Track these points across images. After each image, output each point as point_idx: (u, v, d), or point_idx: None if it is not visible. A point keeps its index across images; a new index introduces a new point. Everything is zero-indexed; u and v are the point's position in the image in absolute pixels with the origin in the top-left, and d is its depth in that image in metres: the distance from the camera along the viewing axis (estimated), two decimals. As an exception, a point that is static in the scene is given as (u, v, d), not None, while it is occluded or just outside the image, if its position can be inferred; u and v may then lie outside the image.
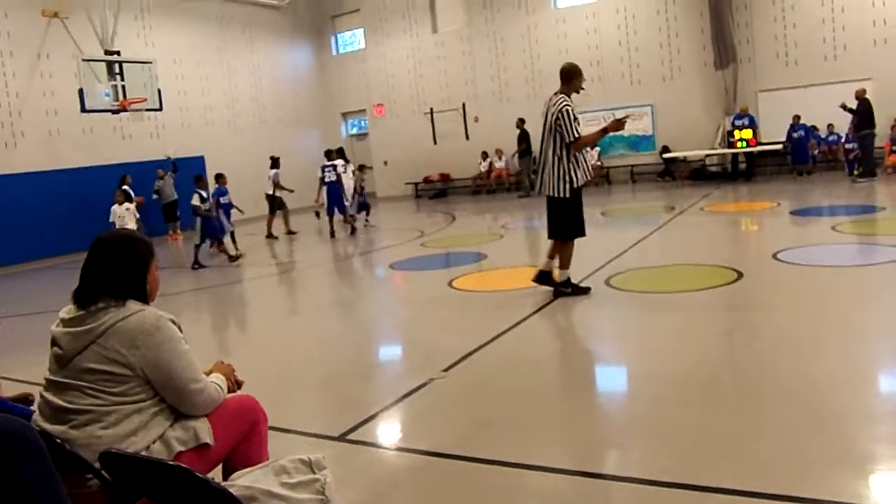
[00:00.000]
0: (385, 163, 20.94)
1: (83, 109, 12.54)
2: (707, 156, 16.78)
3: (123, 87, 13.09)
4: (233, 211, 12.06)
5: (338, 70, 21.87)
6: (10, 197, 12.75)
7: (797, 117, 15.33)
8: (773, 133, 15.89)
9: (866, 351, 4.35)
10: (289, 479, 2.19)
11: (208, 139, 17.33)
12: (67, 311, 2.31)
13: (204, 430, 2.31)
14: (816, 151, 15.75)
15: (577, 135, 5.89)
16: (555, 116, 5.93)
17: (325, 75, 22.01)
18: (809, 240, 8.52)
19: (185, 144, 16.37)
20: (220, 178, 11.78)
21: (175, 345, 2.28)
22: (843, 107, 13.51)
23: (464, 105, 19.70)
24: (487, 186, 19.38)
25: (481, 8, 19.22)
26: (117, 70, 13.07)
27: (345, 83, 21.70)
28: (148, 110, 13.79)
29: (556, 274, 6.30)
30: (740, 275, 6.54)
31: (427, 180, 20.52)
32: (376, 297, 8.10)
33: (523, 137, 17.48)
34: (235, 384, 2.61)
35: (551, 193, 6.07)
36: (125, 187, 12.96)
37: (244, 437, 2.45)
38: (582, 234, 6.22)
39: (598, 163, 17.34)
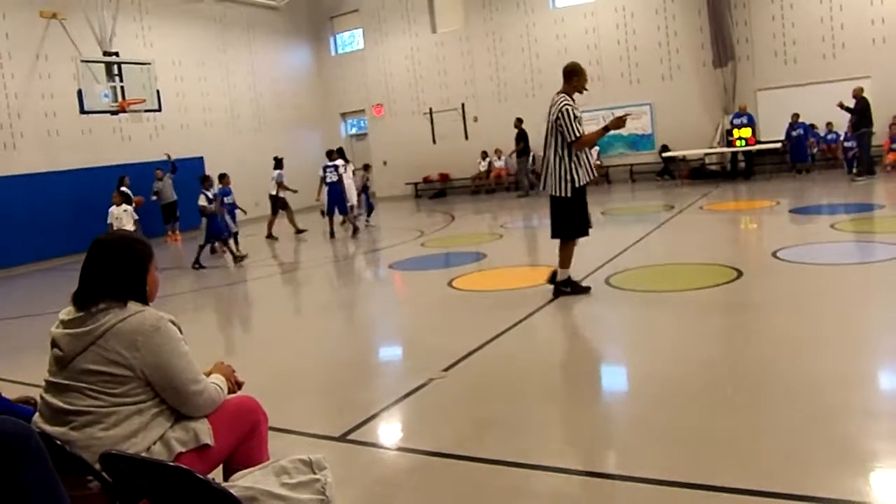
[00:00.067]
0: (384, 163, 20.93)
1: (82, 111, 12.54)
2: (706, 154, 16.79)
3: (122, 88, 13.10)
4: (237, 212, 12.06)
5: (337, 70, 21.87)
6: (9, 198, 12.74)
7: (796, 116, 15.33)
8: (772, 132, 15.90)
9: (866, 349, 4.36)
10: (289, 480, 2.19)
11: (207, 140, 17.33)
12: (67, 312, 2.31)
13: (204, 431, 2.31)
14: (815, 150, 15.76)
15: (577, 134, 5.90)
16: (555, 116, 5.94)
17: (324, 76, 22.01)
18: (809, 238, 8.52)
19: (185, 145, 16.37)
20: (223, 178, 11.77)
21: (175, 345, 2.28)
22: (841, 105, 13.52)
23: (463, 105, 19.71)
24: (487, 186, 19.39)
25: (480, 8, 19.23)
26: (116, 71, 13.07)
27: (344, 83, 21.71)
28: (147, 111, 13.79)
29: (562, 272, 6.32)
30: (740, 273, 6.54)
31: (426, 180, 20.52)
32: (376, 297, 8.10)
33: (521, 137, 17.49)
34: (235, 385, 2.61)
35: (553, 193, 6.09)
36: (123, 188, 12.95)
37: (244, 437, 2.45)
38: (584, 233, 6.22)
39: (598, 162, 17.33)
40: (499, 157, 19.04)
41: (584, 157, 6.11)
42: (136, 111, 13.42)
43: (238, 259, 10.74)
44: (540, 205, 14.97)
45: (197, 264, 10.54)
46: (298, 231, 13.74)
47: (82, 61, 12.60)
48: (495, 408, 3.92)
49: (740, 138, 15.63)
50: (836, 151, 15.57)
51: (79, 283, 2.32)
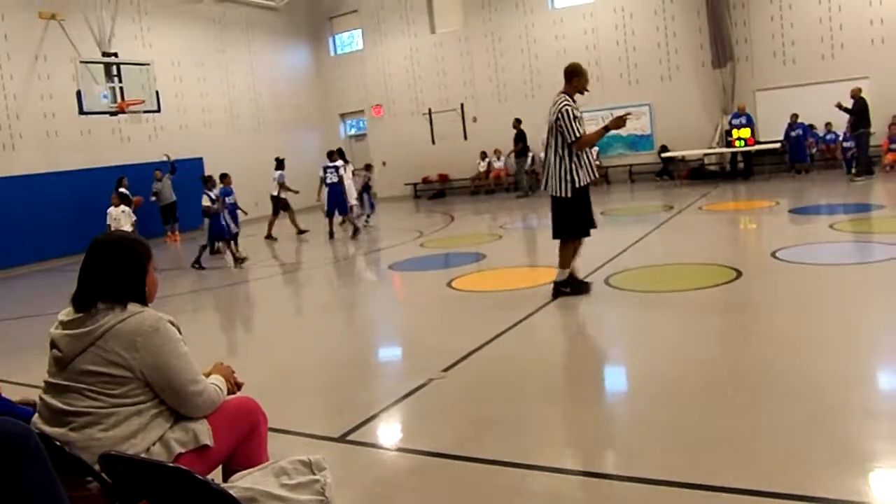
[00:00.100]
0: (383, 163, 20.93)
1: (81, 111, 12.53)
2: (705, 155, 16.80)
3: (121, 88, 13.09)
4: (238, 212, 12.04)
5: (336, 71, 21.87)
6: (8, 199, 12.73)
7: (795, 116, 15.35)
8: (771, 132, 15.91)
9: (866, 349, 4.36)
10: (289, 481, 2.19)
11: (207, 141, 17.32)
12: (66, 313, 2.31)
13: (203, 432, 2.31)
14: (814, 150, 15.78)
15: (577, 134, 5.90)
16: (555, 117, 5.94)
17: (324, 76, 22.01)
18: (808, 238, 8.52)
19: (184, 146, 16.36)
20: (224, 177, 11.71)
21: (174, 346, 2.27)
22: (839, 106, 13.53)
23: (462, 105, 19.71)
24: (486, 187, 19.39)
25: (479, 8, 19.23)
26: (115, 72, 13.07)
27: (343, 84, 21.71)
28: (146, 112, 13.78)
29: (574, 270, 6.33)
30: (739, 273, 6.54)
31: (426, 181, 20.52)
32: (375, 297, 8.10)
33: (520, 137, 17.51)
34: (235, 386, 2.60)
35: (554, 193, 6.10)
36: (122, 190, 12.95)
37: (244, 438, 2.45)
38: (584, 234, 6.23)
39: (597, 162, 17.31)
40: (498, 158, 19.04)
41: (585, 157, 6.11)
42: (135, 112, 13.42)
43: (238, 261, 10.73)
44: (539, 205, 14.98)
45: (197, 264, 10.54)
46: (300, 232, 13.73)
47: (81, 62, 12.60)
48: (495, 408, 3.92)
49: (739, 139, 15.65)
50: (834, 152, 15.59)
51: (77, 285, 2.32)
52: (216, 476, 2.33)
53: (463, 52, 19.60)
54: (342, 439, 3.61)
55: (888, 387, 3.83)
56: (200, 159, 16.52)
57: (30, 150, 13.48)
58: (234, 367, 2.68)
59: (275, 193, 13.74)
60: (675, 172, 17.12)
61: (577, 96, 6.12)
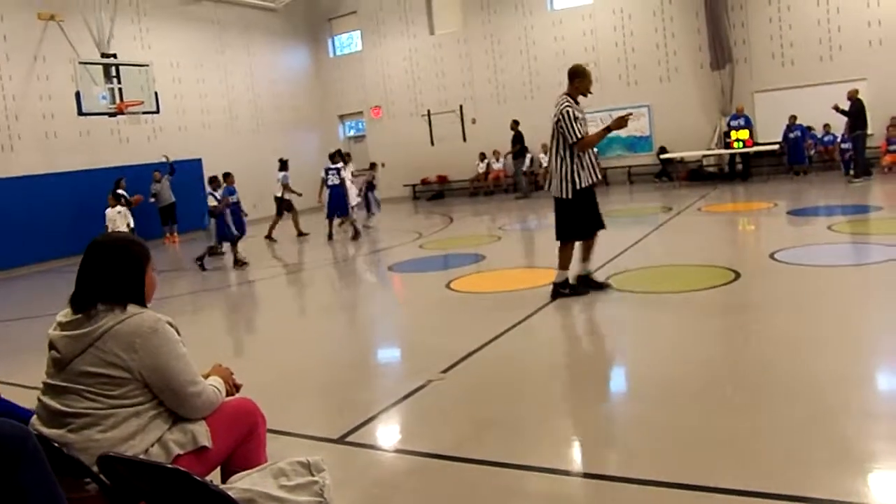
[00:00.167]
0: (382, 164, 20.85)
1: (80, 112, 12.53)
2: (704, 156, 16.82)
3: (120, 89, 13.09)
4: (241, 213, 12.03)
5: (335, 72, 21.87)
6: (7, 200, 12.72)
7: (793, 117, 15.36)
8: (770, 133, 15.93)
9: (865, 349, 4.36)
10: (287, 482, 2.18)
11: (206, 142, 17.32)
12: (65, 314, 2.30)
13: (202, 433, 2.31)
14: (813, 151, 15.80)
15: (579, 135, 5.91)
16: (556, 118, 5.96)
17: (323, 78, 22.01)
18: (806, 240, 8.53)
19: (183, 147, 16.35)
20: (227, 177, 11.64)
21: (173, 347, 2.27)
22: (836, 108, 13.55)
23: (461, 107, 19.72)
24: (485, 188, 19.40)
25: (478, 10, 19.25)
26: (114, 73, 13.07)
27: (342, 85, 21.71)
28: (145, 113, 13.79)
29: (585, 270, 6.35)
30: (738, 275, 6.55)
31: (425, 182, 20.52)
32: (375, 299, 8.10)
33: (517, 139, 17.52)
34: (234, 387, 2.60)
35: (556, 194, 6.12)
36: (120, 191, 12.95)
37: (243, 439, 2.44)
38: (587, 236, 6.23)
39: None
40: (497, 159, 19.05)
41: (588, 159, 6.11)
42: (134, 113, 13.42)
43: (239, 264, 10.71)
44: (538, 207, 15.00)
45: (200, 262, 10.55)
46: (300, 234, 13.70)
47: (80, 63, 12.60)
48: (494, 409, 3.92)
49: (738, 140, 15.67)
50: (833, 153, 15.61)
51: (76, 286, 2.31)
52: (215, 477, 2.33)
53: (462, 54, 19.62)
54: (341, 440, 3.61)
55: (888, 387, 3.84)
56: (199, 160, 16.50)
57: (29, 151, 13.48)
58: (233, 368, 2.68)
59: (279, 195, 13.70)
60: (673, 174, 17.13)
61: (581, 98, 6.13)
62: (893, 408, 3.52)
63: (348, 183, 13.26)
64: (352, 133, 22.44)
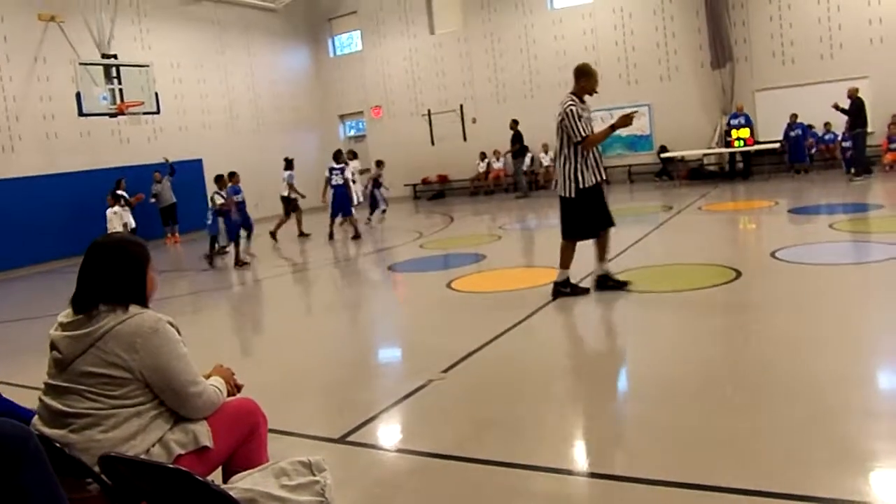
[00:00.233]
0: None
1: (80, 113, 12.54)
2: (704, 155, 16.81)
3: (121, 90, 13.11)
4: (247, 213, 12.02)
5: (335, 72, 21.87)
6: (7, 201, 12.74)
7: (794, 116, 15.36)
8: (770, 132, 15.92)
9: (866, 349, 4.36)
10: (289, 482, 2.19)
11: (206, 142, 17.32)
12: (66, 315, 2.31)
13: (203, 433, 2.31)
14: (813, 150, 15.79)
15: (583, 134, 5.92)
16: (560, 118, 5.97)
17: (323, 78, 22.01)
18: (807, 238, 8.53)
19: (183, 147, 16.36)
20: (232, 176, 11.62)
21: (174, 347, 2.27)
22: (836, 107, 13.55)
23: (461, 106, 19.72)
24: (485, 187, 19.40)
25: (478, 9, 19.24)
26: (114, 74, 13.09)
27: (342, 85, 21.71)
28: (145, 114, 13.80)
29: (603, 267, 6.35)
30: (739, 274, 6.54)
31: (425, 181, 20.53)
32: (375, 298, 8.10)
33: (517, 138, 17.51)
34: (235, 388, 2.60)
35: (560, 193, 6.16)
36: (119, 191, 12.95)
37: (244, 439, 2.45)
38: (592, 235, 6.23)
39: (596, 163, 17.33)
40: (497, 159, 19.05)
41: (593, 158, 6.12)
42: (134, 113, 13.44)
43: (239, 264, 10.71)
44: (538, 206, 15.00)
45: (208, 258, 10.58)
46: (301, 234, 13.69)
47: (81, 64, 12.61)
48: (495, 409, 3.92)
49: (738, 139, 15.66)
50: (834, 151, 15.60)
51: (76, 287, 2.32)
52: (216, 477, 2.33)
53: (462, 53, 19.61)
54: (342, 440, 3.61)
55: (888, 387, 3.83)
56: (200, 161, 16.52)
57: (29, 152, 13.49)
58: (234, 368, 2.68)
59: (285, 194, 13.67)
60: (674, 173, 17.12)
61: (587, 97, 6.13)
62: (894, 407, 3.52)
63: (351, 182, 13.25)
64: (352, 133, 22.44)
